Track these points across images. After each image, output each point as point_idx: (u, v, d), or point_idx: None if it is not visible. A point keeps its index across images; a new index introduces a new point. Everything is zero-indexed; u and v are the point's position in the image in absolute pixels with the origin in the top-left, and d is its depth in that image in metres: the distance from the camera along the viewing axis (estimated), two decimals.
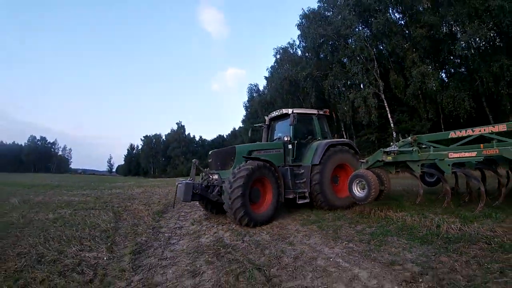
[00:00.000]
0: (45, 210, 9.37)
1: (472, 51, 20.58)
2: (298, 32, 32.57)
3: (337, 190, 8.61)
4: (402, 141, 7.94)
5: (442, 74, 25.54)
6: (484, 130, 6.53)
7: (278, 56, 39.66)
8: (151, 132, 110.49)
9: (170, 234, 6.23)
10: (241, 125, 57.34)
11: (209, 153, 8.68)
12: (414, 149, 7.06)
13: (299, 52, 36.58)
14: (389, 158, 7.50)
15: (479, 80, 21.15)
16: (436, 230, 5.02)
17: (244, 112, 52.60)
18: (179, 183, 7.44)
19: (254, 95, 48.95)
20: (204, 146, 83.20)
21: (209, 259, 4.46)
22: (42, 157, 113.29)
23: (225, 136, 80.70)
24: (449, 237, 4.59)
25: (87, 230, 6.29)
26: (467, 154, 6.26)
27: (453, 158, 6.46)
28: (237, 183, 6.61)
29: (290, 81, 33.00)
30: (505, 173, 7.83)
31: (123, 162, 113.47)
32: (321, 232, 5.76)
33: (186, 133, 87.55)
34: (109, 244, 5.24)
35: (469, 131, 6.82)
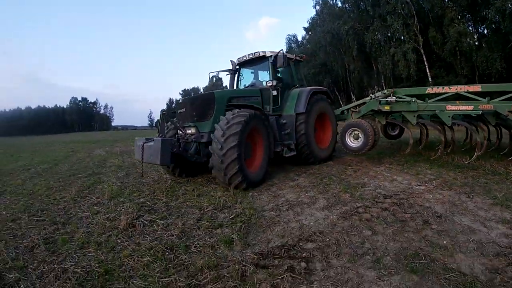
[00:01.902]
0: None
1: (506, 14, 21.08)
2: None
3: (318, 141, 8.18)
4: (381, 93, 8.11)
5: (478, 34, 25.83)
6: (461, 88, 7.07)
7: (317, 8, 39.78)
8: (189, 86, 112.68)
9: None
10: None
11: (179, 101, 7.20)
12: (413, 100, 7.20)
13: (339, 3, 36.47)
14: (387, 108, 7.56)
15: (511, 44, 21.90)
16: (451, 161, 7.20)
17: None
18: (147, 142, 5.85)
19: (293, 45, 48.74)
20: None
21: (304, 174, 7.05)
22: (84, 117, 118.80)
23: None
24: (459, 165, 6.77)
25: None
26: (464, 108, 6.65)
27: (451, 110, 6.77)
28: (232, 129, 5.49)
29: (332, 34, 33.57)
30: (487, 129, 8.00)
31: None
32: (368, 159, 8.18)
33: (224, 84, 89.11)
34: None
35: (446, 89, 7.29)
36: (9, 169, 10.19)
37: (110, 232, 3.84)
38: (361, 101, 8.82)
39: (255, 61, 8.15)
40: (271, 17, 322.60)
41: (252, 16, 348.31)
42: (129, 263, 3.01)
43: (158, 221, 4.15)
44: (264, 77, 8.21)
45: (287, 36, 50.83)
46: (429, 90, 7.56)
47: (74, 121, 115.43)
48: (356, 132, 7.54)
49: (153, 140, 5.70)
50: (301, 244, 3.33)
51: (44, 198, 5.78)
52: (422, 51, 25.94)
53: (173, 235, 3.66)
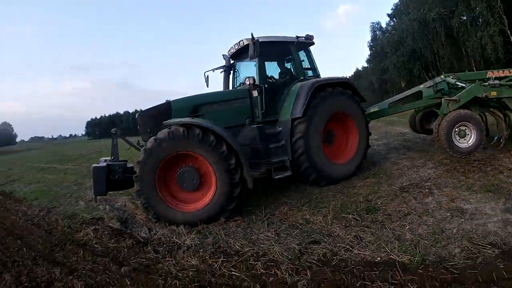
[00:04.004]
0: None
1: None
2: None
3: (333, 154, 6.60)
4: (440, 79, 7.73)
5: None
6: None
7: None
8: None
9: None
10: (366, 65, 57.34)
11: (136, 116, 5.95)
12: None
13: None
14: (494, 94, 6.38)
15: None
16: None
17: (368, 51, 53.94)
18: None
19: (377, 33, 49.32)
20: None
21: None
22: None
23: (348, 77, 75.41)
24: None
25: None
26: None
27: None
28: (139, 165, 4.67)
29: (419, 21, 34.82)
30: None
31: None
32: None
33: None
34: None
35: (506, 72, 6.96)
36: None
37: None
38: (413, 89, 8.39)
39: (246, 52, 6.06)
40: (350, 4, 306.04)
41: (328, 4, 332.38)
42: None
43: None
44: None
45: (371, 24, 50.17)
46: (489, 73, 7.16)
47: None
48: (463, 128, 6.36)
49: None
50: (422, 183, 5.78)
51: None
52: (509, 32, 26.63)
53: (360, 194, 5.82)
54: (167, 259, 4.22)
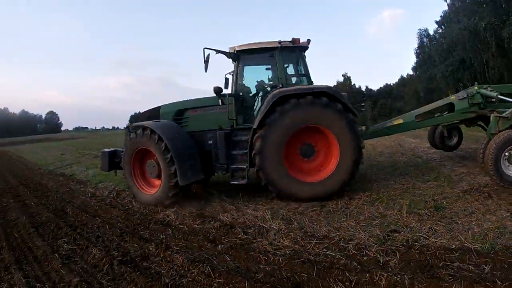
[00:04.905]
0: None
1: None
2: None
3: (313, 170, 6.50)
4: (475, 90, 7.04)
5: None
6: None
7: (449, 1, 40.05)
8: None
9: None
10: (412, 73, 55.57)
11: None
12: None
13: None
14: None
15: None
16: None
17: (414, 59, 51.26)
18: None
19: (425, 40, 48.10)
20: (371, 96, 74.14)
21: None
22: None
23: (392, 84, 72.87)
24: None
25: None
26: None
27: None
28: (123, 155, 7.01)
29: (469, 30, 34.05)
30: None
31: None
32: None
33: (352, 84, 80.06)
34: None
35: None
36: None
37: None
38: (443, 101, 7.85)
39: (255, 52, 6.67)
40: (394, 7, 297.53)
41: (371, 9, 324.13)
42: None
43: None
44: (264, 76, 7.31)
45: (418, 31, 48.90)
46: None
47: None
48: None
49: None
50: (481, 188, 6.21)
51: None
52: None
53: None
54: (259, 239, 4.93)
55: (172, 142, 6.17)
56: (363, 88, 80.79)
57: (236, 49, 6.59)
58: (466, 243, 4.25)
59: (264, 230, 5.21)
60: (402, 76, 67.22)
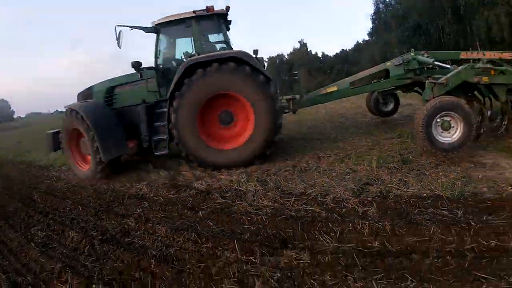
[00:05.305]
0: None
1: None
2: None
3: (231, 137, 6.40)
4: (410, 56, 6.93)
5: None
6: (494, 55, 6.45)
7: None
8: (273, 53, 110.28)
9: None
10: (367, 38, 56.49)
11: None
12: (510, 69, 5.60)
13: None
14: (486, 79, 5.48)
15: None
16: None
17: (370, 24, 53.01)
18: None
19: (380, 6, 48.45)
20: (327, 62, 76.62)
21: None
22: None
23: (348, 50, 74.00)
24: None
25: None
26: None
27: None
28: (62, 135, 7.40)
29: None
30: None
31: None
32: None
33: (308, 50, 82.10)
34: None
35: (480, 54, 6.63)
36: None
37: None
38: (378, 67, 7.67)
39: (175, 24, 6.59)
40: None
41: None
42: None
43: None
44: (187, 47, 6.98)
45: None
46: (463, 54, 6.88)
47: None
48: (447, 119, 5.35)
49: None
50: None
51: None
52: None
53: None
54: (238, 202, 4.94)
55: (94, 121, 6.32)
56: (320, 54, 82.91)
57: (156, 23, 6.63)
58: (436, 191, 4.43)
59: (241, 193, 5.25)
60: (358, 42, 68.37)
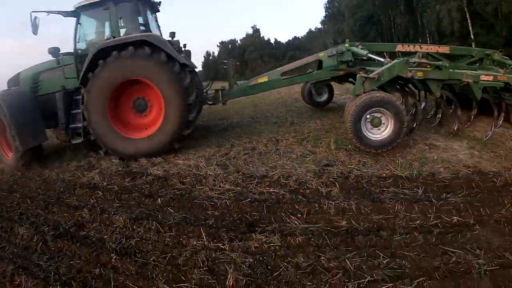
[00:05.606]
0: None
1: None
2: None
3: (146, 126, 6.09)
4: (344, 48, 6.81)
5: None
6: (431, 49, 6.50)
7: None
8: (226, 38, 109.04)
9: None
10: (320, 26, 56.78)
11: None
12: (446, 64, 5.39)
13: None
14: (420, 74, 5.25)
15: None
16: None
17: (323, 13, 53.57)
18: None
19: None
20: (280, 48, 75.91)
21: None
22: None
23: (300, 37, 74.30)
24: None
25: None
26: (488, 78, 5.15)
27: (484, 81, 5.18)
28: None
29: None
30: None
31: (201, 69, 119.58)
32: None
33: (261, 36, 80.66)
34: None
35: (417, 47, 6.53)
36: None
37: None
38: (311, 57, 7.49)
39: (93, 6, 6.32)
40: None
41: None
42: None
43: None
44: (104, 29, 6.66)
45: None
46: (399, 47, 6.84)
47: None
48: (377, 115, 5.12)
49: None
50: None
51: None
52: (466, 9, 27.87)
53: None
54: (198, 187, 4.68)
55: (10, 109, 6.03)
56: (272, 41, 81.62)
57: (76, 6, 6.36)
58: (395, 172, 4.53)
59: (201, 177, 4.97)
60: (310, 30, 69.02)
